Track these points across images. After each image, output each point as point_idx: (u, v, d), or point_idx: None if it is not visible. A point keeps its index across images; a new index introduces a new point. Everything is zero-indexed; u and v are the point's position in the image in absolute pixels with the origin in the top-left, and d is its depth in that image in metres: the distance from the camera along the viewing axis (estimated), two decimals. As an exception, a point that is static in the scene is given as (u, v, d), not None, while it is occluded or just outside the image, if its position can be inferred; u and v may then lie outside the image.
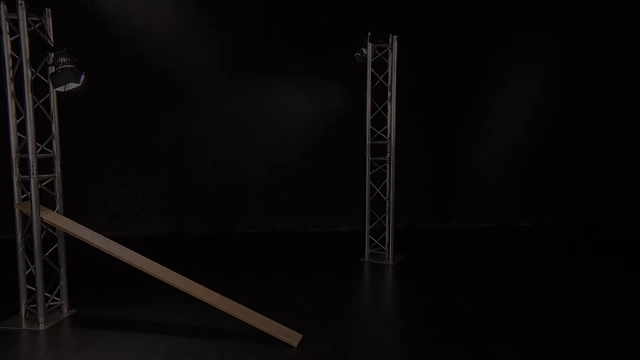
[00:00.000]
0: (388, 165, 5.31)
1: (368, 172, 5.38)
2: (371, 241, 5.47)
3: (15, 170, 3.60)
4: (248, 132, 6.52)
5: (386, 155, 5.30)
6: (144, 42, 6.18)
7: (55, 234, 3.84)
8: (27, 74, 3.44)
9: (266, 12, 6.35)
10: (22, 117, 3.48)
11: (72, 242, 3.75)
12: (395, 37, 5.10)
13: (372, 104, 5.31)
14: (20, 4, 3.35)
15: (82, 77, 3.45)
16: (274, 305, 4.08)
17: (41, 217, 3.56)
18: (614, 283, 4.73)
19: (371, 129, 5.34)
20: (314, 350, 3.31)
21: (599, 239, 6.47)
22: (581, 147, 7.01)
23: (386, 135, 5.29)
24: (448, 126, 6.84)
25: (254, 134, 6.52)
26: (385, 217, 5.41)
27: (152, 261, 3.64)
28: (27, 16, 3.40)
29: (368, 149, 5.35)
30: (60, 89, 3.48)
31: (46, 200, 3.73)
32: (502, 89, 6.84)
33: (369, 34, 5.19)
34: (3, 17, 3.42)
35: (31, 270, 3.67)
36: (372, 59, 5.23)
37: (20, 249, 3.65)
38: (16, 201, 3.63)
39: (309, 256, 5.66)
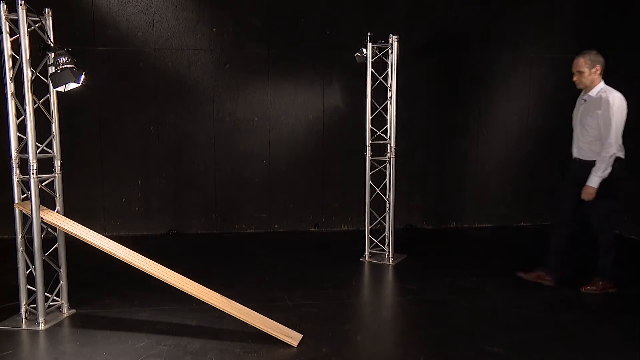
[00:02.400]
0: (388, 165, 5.31)
1: (368, 172, 5.38)
2: (371, 241, 5.47)
3: (15, 170, 3.60)
4: (248, 132, 6.52)
5: (386, 155, 5.30)
6: (144, 42, 6.18)
7: (55, 234, 3.84)
8: (27, 74, 3.44)
9: (266, 12, 6.35)
10: (22, 117, 3.48)
11: (72, 242, 3.75)
12: (395, 37, 5.11)
13: (372, 104, 5.32)
14: (20, 4, 3.35)
15: (82, 77, 3.46)
16: (274, 305, 4.09)
17: (41, 217, 3.56)
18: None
19: (371, 129, 5.34)
20: (314, 350, 3.32)
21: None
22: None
23: (386, 135, 5.29)
24: (448, 126, 6.84)
25: (254, 133, 6.52)
26: (385, 217, 5.41)
27: (151, 261, 3.64)
28: (27, 16, 3.40)
29: (368, 149, 5.35)
30: (60, 89, 3.48)
31: (46, 200, 3.73)
32: (503, 89, 6.84)
33: (369, 34, 5.19)
34: (3, 17, 3.41)
35: (31, 270, 3.67)
36: (372, 59, 5.23)
37: (20, 249, 3.65)
38: (16, 201, 3.63)
39: (309, 256, 5.65)
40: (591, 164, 4.17)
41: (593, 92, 4.19)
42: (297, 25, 6.42)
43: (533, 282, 4.54)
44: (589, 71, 4.15)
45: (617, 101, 4.07)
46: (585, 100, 4.26)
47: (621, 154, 4.18)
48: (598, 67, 4.15)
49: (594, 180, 4.09)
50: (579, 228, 4.44)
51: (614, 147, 4.06)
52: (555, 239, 4.52)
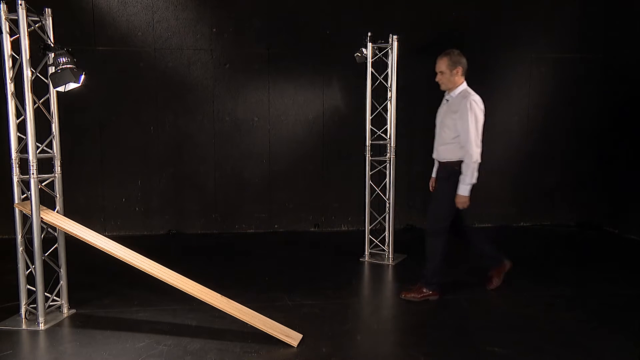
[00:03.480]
0: (388, 165, 5.31)
1: (368, 172, 5.38)
2: (371, 241, 5.47)
3: (15, 170, 3.60)
4: (248, 132, 6.52)
5: (386, 155, 5.30)
6: (144, 42, 6.18)
7: (55, 234, 3.84)
8: (27, 74, 3.44)
9: (266, 12, 6.35)
10: (22, 117, 3.48)
11: (72, 242, 3.75)
12: (395, 37, 5.11)
13: (372, 104, 5.32)
14: (20, 4, 3.35)
15: (82, 77, 3.46)
16: (274, 305, 4.09)
17: (41, 217, 3.56)
18: (615, 283, 4.73)
19: (371, 129, 5.34)
20: (314, 350, 3.32)
21: (599, 239, 6.47)
22: (581, 146, 7.02)
23: (386, 135, 5.29)
24: (448, 126, 6.82)
25: (254, 133, 6.52)
26: (385, 217, 5.41)
27: (152, 261, 3.64)
28: (27, 16, 3.40)
29: (368, 149, 5.35)
30: (60, 89, 3.48)
31: (46, 200, 3.73)
32: (503, 89, 6.84)
33: (369, 34, 5.19)
34: (3, 17, 3.42)
35: (31, 270, 3.67)
36: (372, 59, 5.23)
37: (20, 249, 3.65)
38: (16, 201, 3.63)
39: (309, 256, 5.65)
40: (447, 164, 4.13)
41: (454, 94, 4.13)
42: (297, 25, 6.42)
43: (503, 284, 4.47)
44: (450, 72, 4.07)
45: (474, 105, 3.99)
46: (447, 101, 4.18)
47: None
48: (459, 69, 4.07)
49: (463, 189, 4.00)
50: (464, 226, 4.40)
51: (476, 152, 3.97)
52: (471, 245, 4.48)
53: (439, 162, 4.28)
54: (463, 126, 3.99)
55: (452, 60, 4.08)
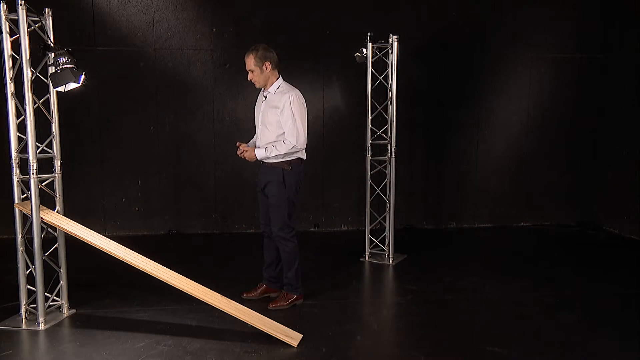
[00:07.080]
0: (388, 165, 5.31)
1: (368, 172, 5.38)
2: (371, 241, 5.47)
3: (15, 170, 3.60)
4: (248, 132, 6.49)
5: (386, 155, 5.31)
6: (144, 42, 6.18)
7: (55, 234, 3.84)
8: (27, 74, 3.44)
9: (266, 12, 6.35)
10: (22, 117, 3.48)
11: (72, 242, 3.75)
12: (395, 37, 5.11)
13: (372, 104, 5.32)
14: (20, 4, 3.35)
15: (82, 77, 3.46)
16: (274, 305, 4.09)
17: (41, 217, 3.56)
18: (615, 283, 4.73)
19: (371, 129, 5.34)
20: (314, 350, 3.32)
21: (599, 239, 6.47)
22: (581, 146, 7.02)
23: (386, 135, 5.30)
24: (448, 126, 6.83)
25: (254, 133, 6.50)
26: (385, 217, 5.41)
27: (151, 261, 3.64)
28: (27, 16, 3.40)
29: (368, 149, 5.35)
30: (60, 89, 3.49)
31: (46, 200, 3.73)
32: (503, 89, 6.84)
33: (369, 34, 5.19)
34: (3, 17, 3.42)
35: (31, 270, 3.67)
36: (372, 59, 5.23)
37: (20, 249, 3.65)
38: (16, 201, 3.63)
39: (309, 256, 5.63)
40: (276, 165, 3.96)
41: (272, 89, 3.95)
42: (297, 25, 6.41)
43: (263, 299, 4.24)
44: (259, 70, 3.88)
45: (295, 99, 3.86)
46: (265, 97, 4.00)
47: (303, 155, 4.05)
48: (267, 64, 3.89)
49: (260, 152, 3.92)
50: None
51: (300, 141, 3.88)
52: (264, 249, 4.29)
53: (266, 164, 4.01)
54: (287, 120, 3.85)
55: (259, 57, 3.87)
